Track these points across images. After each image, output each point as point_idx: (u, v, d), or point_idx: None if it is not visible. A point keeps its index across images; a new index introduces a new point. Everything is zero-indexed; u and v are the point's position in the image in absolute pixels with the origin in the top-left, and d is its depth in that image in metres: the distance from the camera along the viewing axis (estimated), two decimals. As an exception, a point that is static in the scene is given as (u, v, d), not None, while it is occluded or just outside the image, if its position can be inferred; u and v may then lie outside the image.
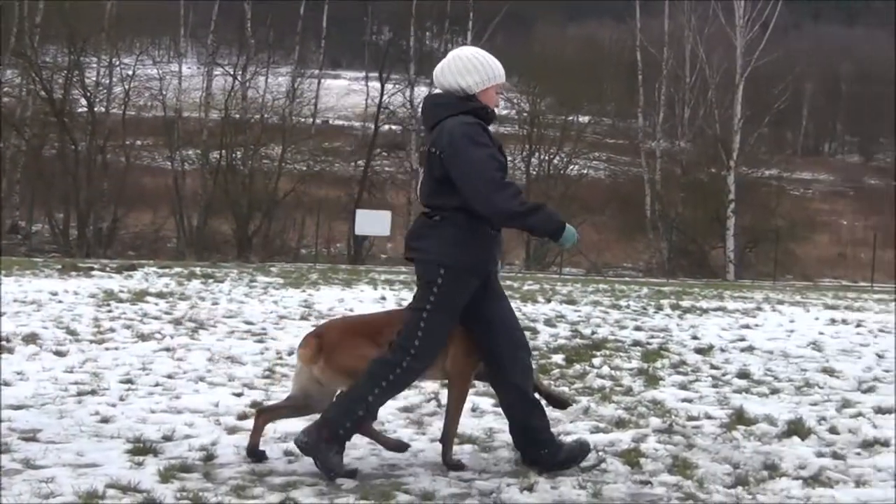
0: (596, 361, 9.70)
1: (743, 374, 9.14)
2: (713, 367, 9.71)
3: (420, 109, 5.67)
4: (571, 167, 46.05)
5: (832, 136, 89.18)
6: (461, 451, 5.82)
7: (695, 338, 12.22)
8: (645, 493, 5.13)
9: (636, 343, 11.60)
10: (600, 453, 5.83)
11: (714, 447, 6.10)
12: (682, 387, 8.37)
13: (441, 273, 5.23)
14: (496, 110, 5.51)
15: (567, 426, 6.62)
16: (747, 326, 14.12)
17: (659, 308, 17.08)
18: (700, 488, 5.15)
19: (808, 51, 67.97)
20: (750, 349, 11.28)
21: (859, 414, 7.31)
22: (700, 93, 45.38)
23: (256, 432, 5.58)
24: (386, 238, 39.30)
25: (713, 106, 43.69)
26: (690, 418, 6.91)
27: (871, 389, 8.60)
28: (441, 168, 5.22)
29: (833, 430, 6.66)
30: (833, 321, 15.59)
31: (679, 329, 13.35)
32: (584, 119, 46.71)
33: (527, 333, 10.95)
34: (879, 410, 7.43)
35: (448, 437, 5.53)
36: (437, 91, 5.53)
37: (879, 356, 11.08)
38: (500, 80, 5.47)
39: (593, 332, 12.56)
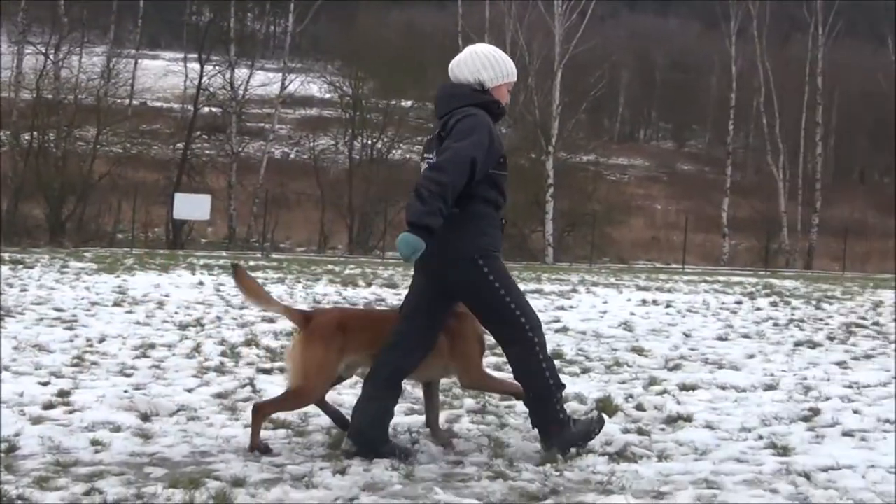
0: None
1: (556, 355, 9.29)
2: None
3: (436, 98, 5.70)
4: (394, 151, 46.14)
5: (647, 123, 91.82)
6: (274, 437, 5.78)
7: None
8: (456, 472, 5.18)
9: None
10: (414, 434, 5.88)
11: (525, 426, 6.20)
12: (497, 368, 8.47)
13: (481, 263, 5.35)
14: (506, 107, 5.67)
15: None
16: (562, 308, 14.46)
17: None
18: (510, 467, 5.23)
19: (624, 40, 69.92)
20: (564, 330, 11.55)
21: (664, 391, 7.56)
22: (520, 79, 46.08)
23: (255, 432, 5.49)
24: (206, 222, 38.70)
25: (533, 92, 44.42)
26: (504, 399, 7.02)
27: (677, 367, 8.92)
28: None
29: (639, 407, 6.87)
30: (644, 302, 16.11)
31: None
32: (407, 104, 46.84)
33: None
34: (684, 387, 7.70)
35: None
36: (453, 82, 5.61)
37: (686, 335, 11.51)
38: (513, 78, 5.65)
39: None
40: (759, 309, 15.61)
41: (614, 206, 47.68)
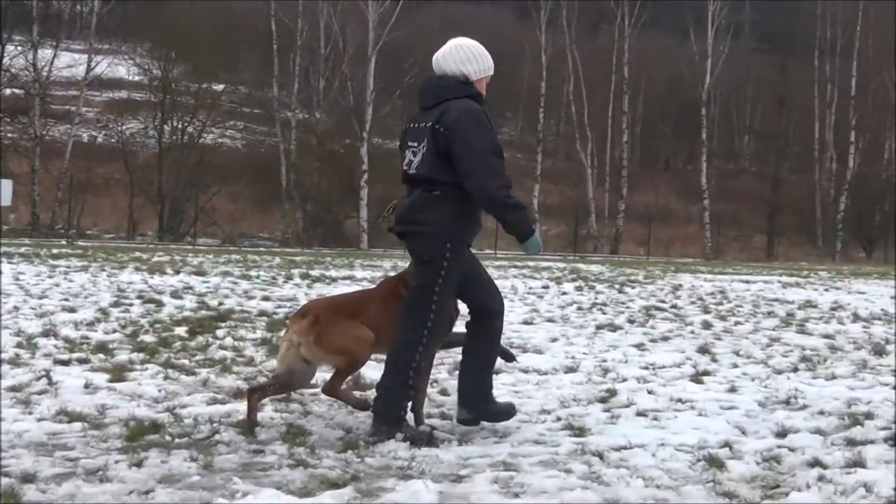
0: (220, 333, 9.63)
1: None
2: (336, 334, 9.85)
3: (420, 90, 5.85)
4: (206, 136, 45.34)
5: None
6: (69, 430, 5.61)
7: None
8: (256, 461, 5.14)
9: (262, 313, 11.61)
10: (215, 424, 5.81)
11: (329, 414, 6.21)
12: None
13: (448, 247, 5.54)
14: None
15: (184, 399, 6.53)
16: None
17: (289, 278, 17.20)
18: (311, 454, 5.22)
19: (438, 27, 70.35)
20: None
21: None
22: (335, 65, 45.94)
23: (252, 410, 5.78)
24: (7, 208, 37.19)
25: (347, 78, 44.32)
26: (311, 386, 6.99)
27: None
28: (445, 144, 5.49)
29: (443, 392, 6.98)
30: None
31: (306, 298, 13.46)
32: (219, 87, 46.07)
33: (150, 307, 10.72)
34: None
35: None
36: (439, 74, 5.75)
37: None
38: (492, 71, 5.87)
39: (220, 304, 12.46)
40: (564, 293, 16.01)
41: (432, 192, 47.98)
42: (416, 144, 5.63)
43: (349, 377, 6.16)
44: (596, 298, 15.18)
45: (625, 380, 7.63)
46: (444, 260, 5.54)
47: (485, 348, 5.85)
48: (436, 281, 5.56)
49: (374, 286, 6.75)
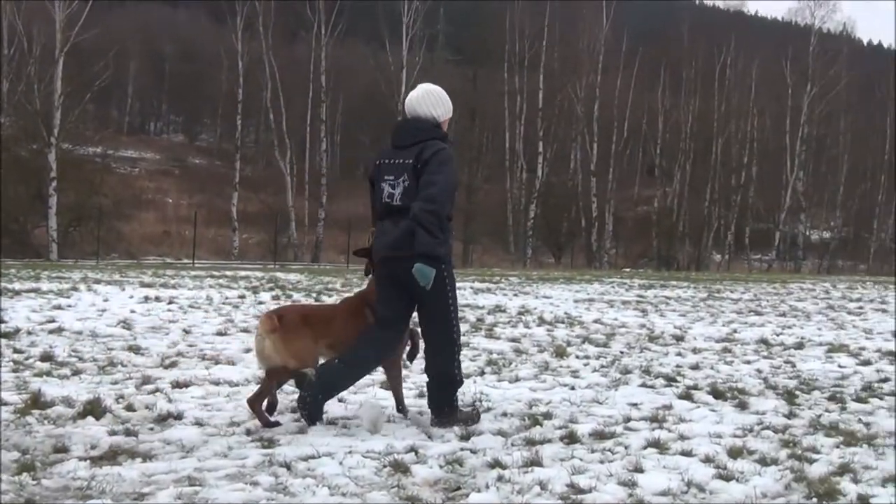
0: None
1: (47, 357, 8.96)
2: (17, 350, 9.39)
3: (395, 129, 6.62)
4: None
5: (157, 116, 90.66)
6: None
7: (1, 321, 11.74)
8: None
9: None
10: None
11: (6, 434, 5.90)
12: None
13: (444, 268, 6.32)
14: None
15: None
16: (59, 307, 13.90)
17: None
18: None
19: (132, 29, 68.38)
20: (59, 330, 11.11)
21: (157, 390, 7.50)
22: (20, 67, 43.76)
23: (261, 415, 6.35)
24: None
25: (33, 80, 42.33)
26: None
27: (173, 365, 8.86)
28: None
29: (130, 408, 6.76)
30: (147, 299, 15.88)
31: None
32: None
33: None
34: (177, 385, 7.67)
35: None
36: (413, 116, 6.52)
37: (186, 331, 11.48)
38: (451, 113, 6.67)
39: None
40: (261, 303, 15.92)
41: (123, 200, 46.63)
42: (392, 178, 6.36)
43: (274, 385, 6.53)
44: (289, 307, 15.15)
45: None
46: (446, 279, 6.36)
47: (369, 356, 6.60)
48: (446, 295, 6.38)
49: (337, 303, 7.31)
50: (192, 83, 73.52)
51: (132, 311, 13.55)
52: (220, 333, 11.42)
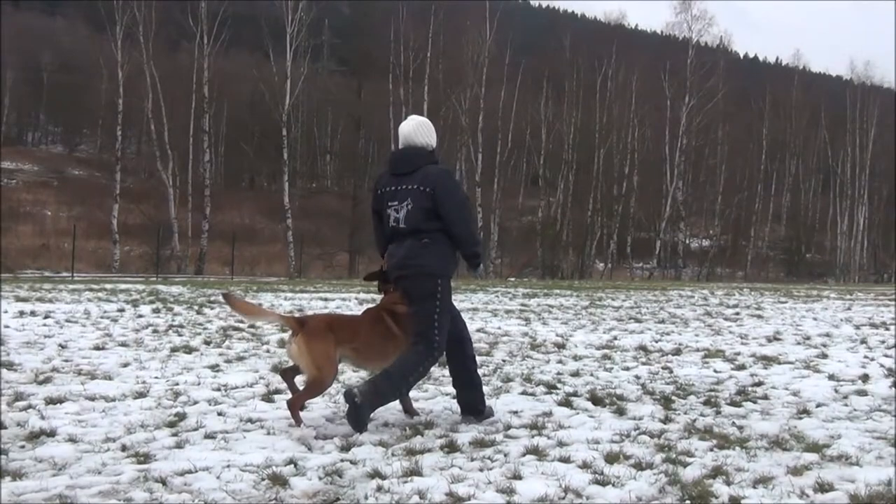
0: None
1: (-86, 375, 8.67)
2: None
3: (394, 158, 7.11)
4: None
5: (36, 126, 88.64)
6: None
7: None
8: None
9: None
10: None
11: None
12: None
13: (439, 283, 6.90)
14: None
15: None
16: (-73, 325, 13.46)
17: None
18: None
19: (7, 36, 66.72)
20: (-73, 348, 10.76)
21: (30, 406, 7.31)
22: None
23: (293, 388, 6.92)
24: None
25: None
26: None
27: (47, 380, 8.63)
28: (430, 201, 6.82)
29: None
30: (22, 314, 15.49)
31: None
32: None
33: None
34: (51, 401, 7.49)
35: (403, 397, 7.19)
36: (411, 145, 7.07)
37: (62, 346, 11.22)
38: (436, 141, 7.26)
39: None
40: (140, 316, 15.65)
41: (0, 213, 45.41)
42: (396, 203, 6.92)
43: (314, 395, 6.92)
44: (173, 320, 14.95)
45: (196, 402, 7.56)
46: (438, 292, 6.87)
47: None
48: (434, 310, 6.85)
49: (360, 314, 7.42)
50: (72, 93, 72.12)
51: (6, 327, 13.20)
52: (97, 348, 11.18)
